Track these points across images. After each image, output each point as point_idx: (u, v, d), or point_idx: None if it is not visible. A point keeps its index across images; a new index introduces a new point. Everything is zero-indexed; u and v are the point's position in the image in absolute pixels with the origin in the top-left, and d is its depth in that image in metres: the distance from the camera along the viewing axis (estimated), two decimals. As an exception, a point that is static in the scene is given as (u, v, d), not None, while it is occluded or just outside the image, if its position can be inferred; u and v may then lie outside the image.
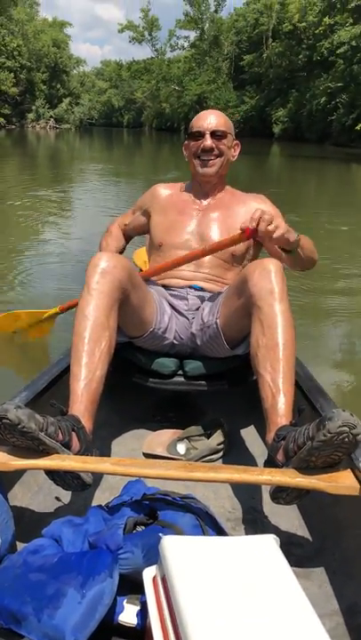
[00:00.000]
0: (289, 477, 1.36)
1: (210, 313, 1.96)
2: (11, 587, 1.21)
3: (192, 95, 50.54)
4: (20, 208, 8.48)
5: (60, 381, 1.82)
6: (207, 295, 2.06)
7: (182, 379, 2.05)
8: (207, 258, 2.07)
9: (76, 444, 1.44)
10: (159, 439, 2.04)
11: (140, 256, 2.41)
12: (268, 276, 1.65)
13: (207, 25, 52.92)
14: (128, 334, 1.94)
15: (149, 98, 61.90)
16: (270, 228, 1.72)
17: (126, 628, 1.23)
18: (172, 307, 2.05)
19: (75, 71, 74.38)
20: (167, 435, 2.06)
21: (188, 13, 53.34)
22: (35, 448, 1.37)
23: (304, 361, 2.06)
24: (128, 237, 2.48)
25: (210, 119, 2.12)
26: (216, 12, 53.27)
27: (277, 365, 1.56)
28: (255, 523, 1.68)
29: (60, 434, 1.40)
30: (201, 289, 2.08)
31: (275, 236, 1.73)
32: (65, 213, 8.58)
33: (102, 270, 1.67)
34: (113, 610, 1.23)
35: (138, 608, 1.28)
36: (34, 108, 58.25)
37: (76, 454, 1.43)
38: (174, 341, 2.04)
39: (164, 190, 2.27)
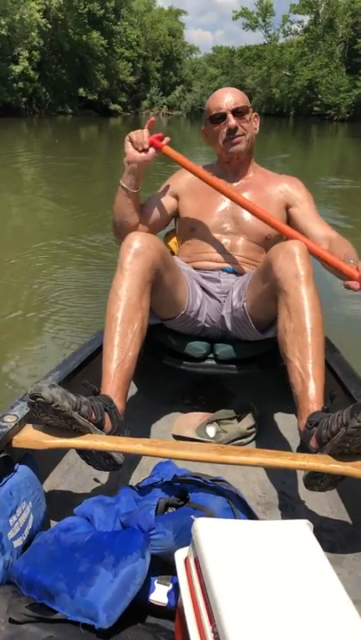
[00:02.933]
0: (323, 463, 1.33)
1: (238, 297, 1.91)
2: (44, 563, 1.21)
3: (303, 80, 49.59)
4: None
5: (93, 361, 1.80)
6: (239, 277, 2.01)
7: (213, 362, 2.01)
8: (240, 241, 2.03)
9: (108, 424, 1.43)
10: (188, 422, 2.01)
11: (172, 239, 2.30)
12: (293, 259, 1.60)
13: (322, 8, 50.88)
14: (160, 316, 1.91)
15: (259, 83, 61.14)
16: None
17: (157, 607, 1.22)
18: (204, 289, 2.01)
19: (187, 58, 75.12)
20: (197, 417, 2.03)
21: (304, -3, 51.38)
22: (67, 427, 1.36)
23: (337, 344, 2.02)
24: (150, 224, 2.11)
25: (228, 98, 2.01)
26: (332, -6, 50.90)
27: (306, 350, 1.51)
28: (286, 507, 1.65)
29: (93, 413, 1.39)
30: (233, 271, 2.02)
31: None
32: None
33: (135, 251, 1.64)
34: (145, 589, 1.22)
35: (169, 588, 1.26)
36: (148, 95, 60.57)
37: (108, 434, 1.42)
38: (205, 324, 2.00)
39: (190, 174, 2.14)
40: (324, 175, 12.84)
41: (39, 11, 33.02)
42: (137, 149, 1.90)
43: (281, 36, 57.73)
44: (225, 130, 2.00)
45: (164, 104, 62.47)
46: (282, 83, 54.91)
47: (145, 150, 1.89)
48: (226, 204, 2.05)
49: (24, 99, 34.52)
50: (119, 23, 49.76)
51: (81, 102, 44.50)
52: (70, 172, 11.45)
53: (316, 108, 48.98)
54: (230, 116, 1.97)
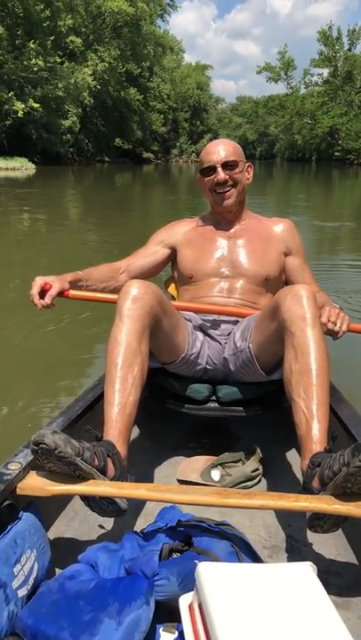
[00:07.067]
0: (326, 504, 1.26)
1: (242, 338, 1.87)
2: (48, 612, 1.16)
3: (324, 127, 51.12)
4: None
5: (95, 407, 1.76)
6: (239, 320, 1.96)
7: (216, 404, 1.94)
8: (239, 284, 2.00)
9: (111, 469, 1.39)
10: (193, 466, 1.94)
11: (171, 284, 2.24)
12: (300, 302, 1.56)
13: (341, 62, 52.60)
14: (160, 360, 1.87)
15: (282, 131, 63.51)
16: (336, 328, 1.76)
17: None
18: (205, 332, 1.97)
19: (213, 109, 77.99)
20: (201, 461, 1.96)
21: (323, 52, 53.14)
22: (71, 473, 1.33)
23: (338, 386, 1.93)
24: (137, 274, 2.10)
25: (219, 151, 1.98)
26: (350, 49, 52.82)
27: (311, 391, 1.46)
28: (292, 550, 1.57)
29: (96, 459, 1.36)
30: (233, 314, 1.97)
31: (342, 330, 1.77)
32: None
33: (133, 297, 1.61)
34: (150, 637, 1.15)
35: (174, 636, 1.19)
36: (178, 144, 63.18)
37: (111, 480, 1.38)
38: (207, 367, 1.95)
39: (185, 226, 2.15)
40: (346, 210, 13.33)
41: (90, 74, 35.30)
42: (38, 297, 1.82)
43: (302, 87, 59.44)
44: (215, 182, 1.98)
45: (193, 152, 64.26)
46: (304, 130, 56.58)
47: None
48: (224, 249, 2.03)
49: (70, 149, 36.87)
50: (152, 79, 51.94)
51: (117, 151, 46.47)
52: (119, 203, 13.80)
53: (337, 153, 50.47)
54: (220, 169, 1.96)
